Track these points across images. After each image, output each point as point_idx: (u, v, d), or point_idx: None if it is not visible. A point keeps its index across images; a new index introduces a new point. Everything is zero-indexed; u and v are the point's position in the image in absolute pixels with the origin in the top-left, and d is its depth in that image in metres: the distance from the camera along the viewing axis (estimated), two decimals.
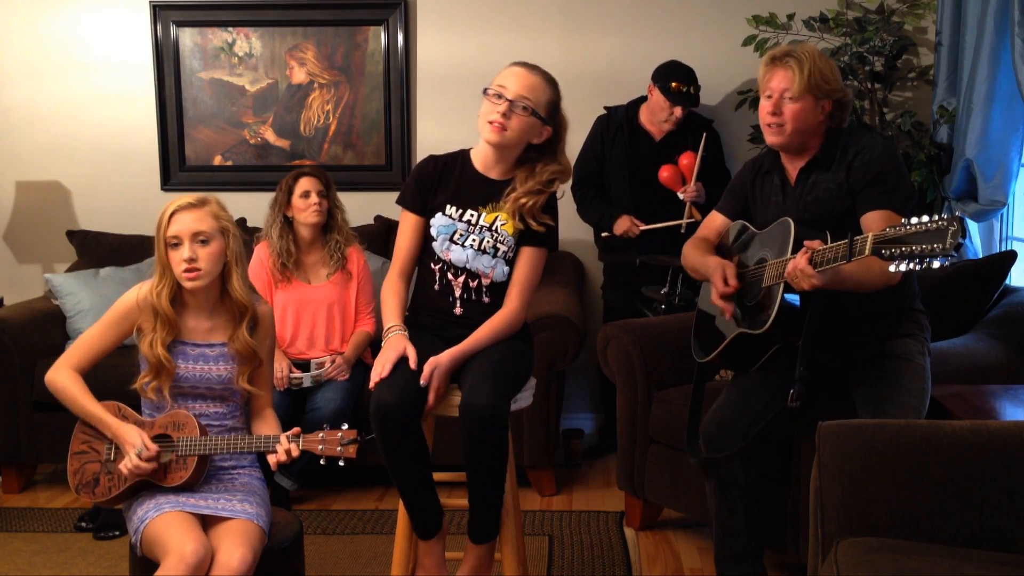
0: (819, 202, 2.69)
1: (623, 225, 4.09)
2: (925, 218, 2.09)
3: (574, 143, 4.27)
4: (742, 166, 3.00)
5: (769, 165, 2.84)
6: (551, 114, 2.58)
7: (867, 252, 2.21)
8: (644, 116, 4.18)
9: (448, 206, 2.61)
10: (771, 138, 2.72)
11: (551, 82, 2.58)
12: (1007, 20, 3.39)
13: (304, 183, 3.77)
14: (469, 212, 2.60)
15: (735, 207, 2.94)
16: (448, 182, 2.63)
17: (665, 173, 4.06)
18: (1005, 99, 3.52)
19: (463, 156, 2.67)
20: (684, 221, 4.01)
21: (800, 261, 2.39)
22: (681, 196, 4.02)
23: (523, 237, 2.61)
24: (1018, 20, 3.26)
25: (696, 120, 4.19)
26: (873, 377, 2.64)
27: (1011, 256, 3.41)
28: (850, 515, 2.03)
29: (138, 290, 2.48)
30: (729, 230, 2.92)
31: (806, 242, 2.42)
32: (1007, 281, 3.45)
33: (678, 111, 4.05)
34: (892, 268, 2.12)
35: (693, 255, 2.92)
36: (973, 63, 3.62)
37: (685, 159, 4.05)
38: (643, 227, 4.07)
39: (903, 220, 2.14)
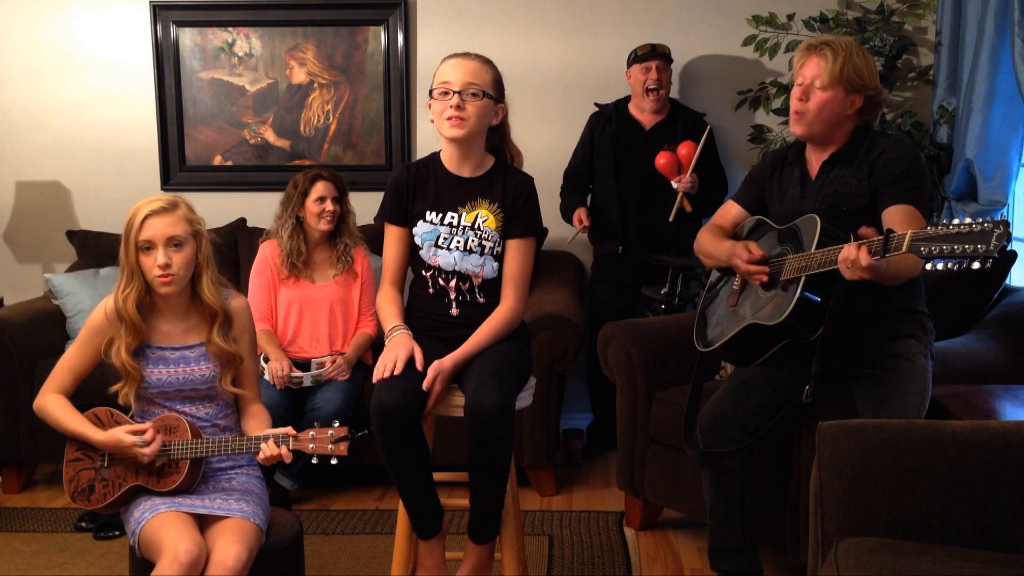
0: (838, 196, 2.69)
1: (576, 216, 4.16)
2: (968, 219, 2.08)
3: (572, 142, 4.31)
4: (761, 157, 3.00)
5: (792, 157, 2.84)
6: (500, 92, 2.61)
7: (904, 249, 2.18)
8: (634, 106, 4.21)
9: (428, 212, 2.61)
10: (793, 127, 2.72)
11: (487, 62, 2.60)
12: (1007, 20, 3.39)
13: (320, 188, 3.76)
14: (450, 215, 2.60)
15: (752, 198, 2.94)
16: (424, 189, 2.63)
17: (662, 160, 4.05)
18: (1005, 99, 3.52)
19: (434, 160, 2.67)
20: (674, 209, 4.02)
21: (862, 253, 2.32)
22: (675, 185, 4.02)
23: (506, 230, 2.61)
24: (1018, 20, 3.26)
25: (687, 112, 4.21)
26: (874, 376, 2.64)
27: (1011, 256, 3.41)
28: (850, 515, 2.03)
29: (105, 304, 2.47)
30: (745, 224, 2.92)
31: (860, 230, 2.38)
32: (1007, 281, 3.46)
33: (653, 71, 4.08)
34: (929, 266, 2.09)
35: (708, 241, 2.92)
36: (973, 63, 3.62)
37: (684, 148, 4.04)
38: (586, 223, 4.12)
39: (945, 222, 2.12)
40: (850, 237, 2.44)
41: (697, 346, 2.94)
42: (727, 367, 3.38)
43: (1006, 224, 2.03)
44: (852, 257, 2.33)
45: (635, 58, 4.12)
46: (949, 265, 2.07)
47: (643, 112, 4.17)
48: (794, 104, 2.70)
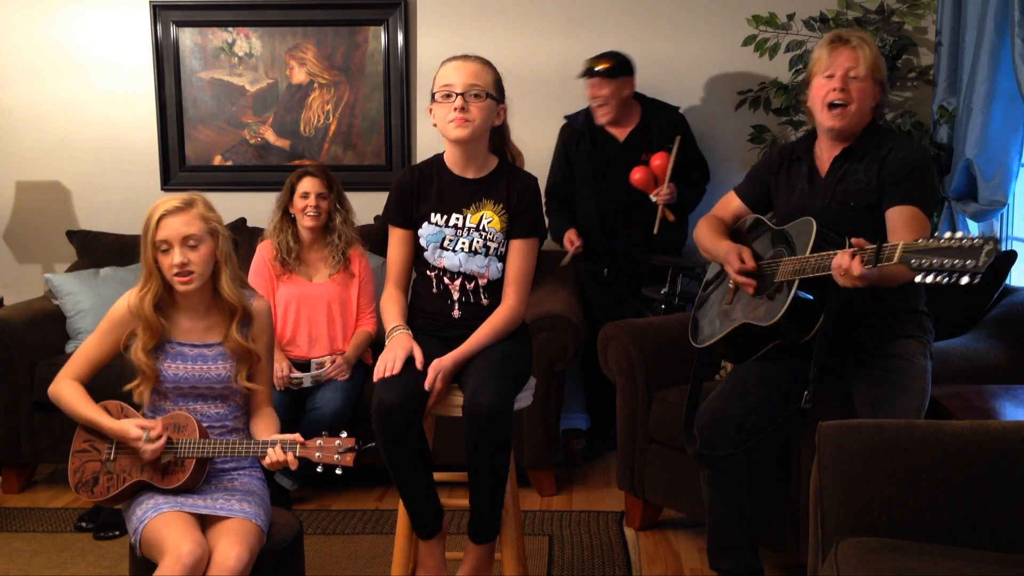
0: (847, 193, 2.70)
1: (567, 238, 4.10)
2: (959, 234, 2.08)
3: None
4: (769, 151, 2.99)
5: (800, 152, 2.84)
6: (500, 93, 2.61)
7: (895, 260, 2.19)
8: None
9: (433, 214, 2.62)
10: (832, 121, 2.69)
11: (487, 63, 2.60)
12: (1007, 20, 3.39)
13: (305, 184, 3.78)
14: (454, 216, 2.61)
15: (754, 192, 2.95)
16: (428, 191, 2.64)
17: (637, 175, 4.00)
18: (1005, 99, 3.52)
19: (438, 161, 2.67)
20: (657, 221, 3.98)
21: (855, 264, 2.33)
22: (654, 199, 3.97)
23: (509, 231, 2.61)
24: (1018, 20, 3.26)
25: (659, 110, 4.12)
26: (874, 376, 2.65)
27: (1011, 256, 3.41)
28: (850, 515, 2.03)
29: (129, 296, 2.49)
30: (746, 221, 2.93)
31: (853, 240, 2.38)
32: (1007, 281, 3.45)
33: (594, 88, 4.02)
34: (918, 279, 2.10)
35: (707, 235, 2.92)
36: (973, 63, 3.62)
37: (657, 160, 3.98)
38: (577, 244, 4.07)
39: (936, 234, 2.12)
40: (845, 242, 2.45)
41: (692, 342, 2.96)
42: (727, 366, 3.38)
43: (996, 241, 2.04)
44: (845, 266, 2.34)
45: (582, 73, 4.05)
46: (938, 279, 2.07)
47: (613, 125, 4.10)
48: (833, 96, 2.67)
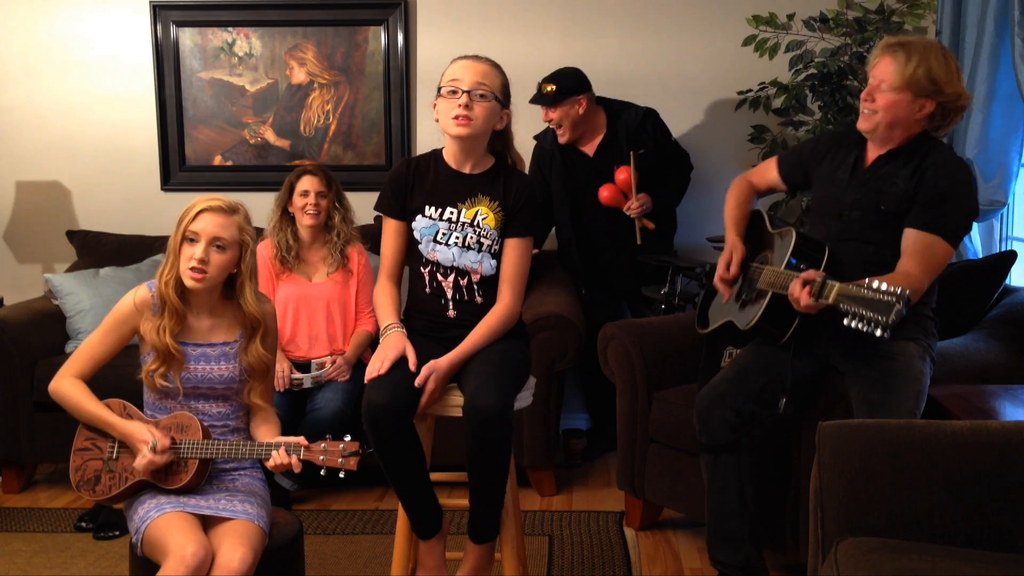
0: (881, 194, 2.70)
1: None
2: (884, 286, 2.23)
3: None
4: (820, 135, 3.03)
5: (856, 138, 2.83)
6: (506, 97, 2.62)
7: (830, 300, 2.37)
8: None
9: (427, 207, 2.61)
10: (860, 122, 2.71)
11: (497, 66, 2.62)
12: (1007, 20, 3.39)
13: (305, 182, 3.79)
14: (449, 210, 2.60)
15: (792, 170, 2.97)
16: (424, 183, 2.64)
17: (605, 193, 3.96)
18: (1005, 99, 3.52)
19: (436, 155, 2.68)
20: (637, 233, 3.97)
21: (804, 295, 2.46)
22: (627, 213, 3.95)
23: (505, 229, 2.61)
24: (1018, 20, 3.26)
25: (624, 113, 4.06)
26: (870, 378, 2.65)
27: (1011, 256, 3.41)
28: (850, 515, 2.03)
29: (135, 293, 2.48)
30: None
31: (803, 274, 2.49)
32: (1007, 281, 3.45)
33: (544, 112, 3.99)
34: (844, 322, 2.29)
35: (729, 208, 2.98)
36: (973, 63, 3.62)
37: (621, 174, 3.94)
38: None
39: (867, 280, 2.27)
40: (821, 262, 2.59)
41: (697, 326, 3.05)
42: (731, 354, 3.39)
43: (907, 301, 2.19)
44: (795, 295, 2.49)
45: (533, 95, 4.01)
46: (859, 325, 2.26)
47: (582, 142, 4.07)
48: (862, 103, 2.69)
